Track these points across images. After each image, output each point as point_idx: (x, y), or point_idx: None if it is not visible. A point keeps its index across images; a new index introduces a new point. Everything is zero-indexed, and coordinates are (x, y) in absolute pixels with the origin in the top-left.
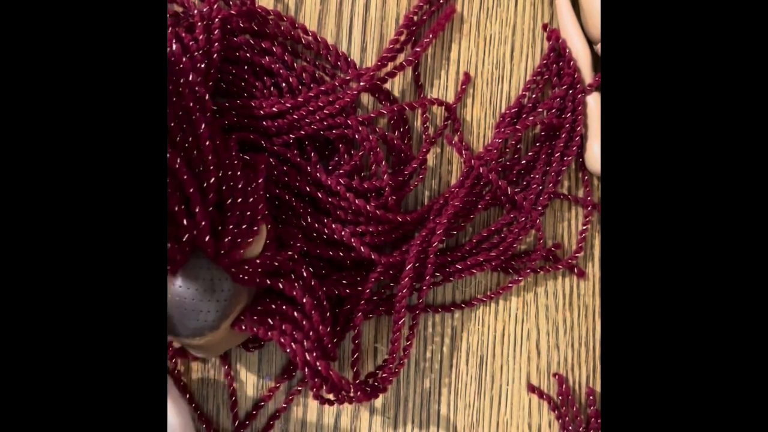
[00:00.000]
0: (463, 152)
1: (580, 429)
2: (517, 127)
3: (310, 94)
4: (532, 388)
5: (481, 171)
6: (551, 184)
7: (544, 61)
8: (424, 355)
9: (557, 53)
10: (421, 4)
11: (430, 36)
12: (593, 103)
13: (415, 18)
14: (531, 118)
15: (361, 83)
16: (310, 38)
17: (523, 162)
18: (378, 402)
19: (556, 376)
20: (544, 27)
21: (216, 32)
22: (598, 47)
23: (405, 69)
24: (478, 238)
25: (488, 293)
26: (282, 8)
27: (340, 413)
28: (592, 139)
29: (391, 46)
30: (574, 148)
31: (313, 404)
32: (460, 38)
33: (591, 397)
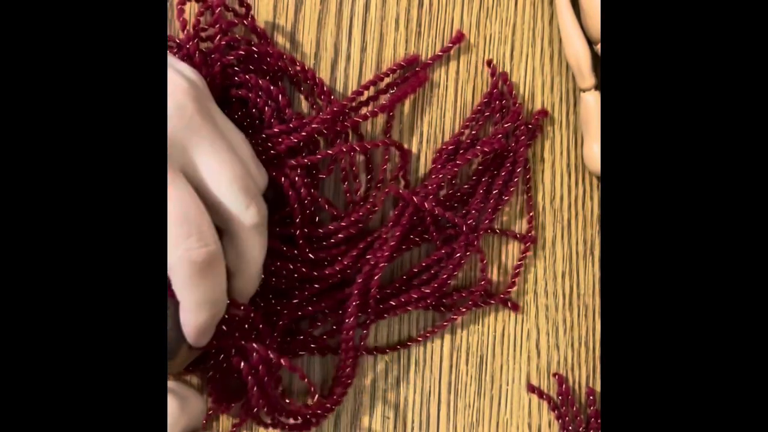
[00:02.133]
0: (401, 191)
1: (580, 429)
2: (457, 162)
3: (263, 134)
4: (532, 388)
5: (416, 202)
6: (490, 210)
7: (485, 99)
8: (424, 355)
9: (500, 91)
10: (394, 68)
11: (399, 95)
12: (593, 102)
13: (386, 79)
14: (470, 152)
15: (314, 125)
16: (298, 69)
17: (458, 194)
18: (378, 402)
19: (556, 376)
20: (488, 63)
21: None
22: (598, 47)
23: (369, 119)
24: (409, 274)
25: (421, 333)
26: (282, 8)
27: (340, 413)
28: (591, 139)
29: (353, 96)
30: (516, 180)
31: None
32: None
33: (591, 397)
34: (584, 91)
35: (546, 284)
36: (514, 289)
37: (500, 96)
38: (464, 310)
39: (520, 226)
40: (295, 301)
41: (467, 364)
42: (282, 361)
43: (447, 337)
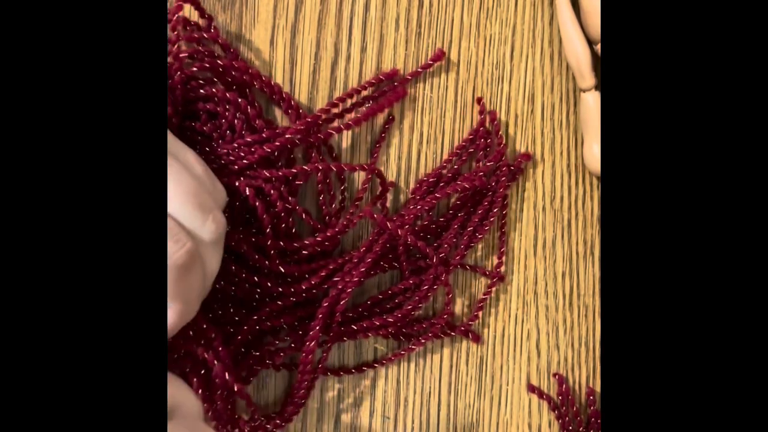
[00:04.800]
0: (376, 216)
1: (580, 429)
2: (436, 195)
3: (234, 144)
4: (532, 388)
5: (391, 229)
6: (462, 247)
7: (471, 136)
8: (424, 355)
9: (487, 129)
10: (373, 81)
11: (375, 108)
12: (593, 102)
13: (365, 92)
14: (450, 186)
15: (287, 135)
16: (264, 83)
17: (432, 226)
18: (378, 402)
19: (556, 376)
20: (478, 101)
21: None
22: (598, 47)
23: (342, 131)
24: (373, 300)
25: (383, 359)
26: (282, 8)
27: (340, 413)
28: (591, 139)
29: (328, 107)
30: (492, 219)
31: (312, 405)
32: (460, 38)
33: (591, 397)
34: (584, 91)
35: (546, 284)
36: (476, 321)
37: (486, 134)
38: (424, 341)
39: (493, 261)
40: (254, 316)
41: (467, 364)
42: (235, 386)
43: (447, 338)
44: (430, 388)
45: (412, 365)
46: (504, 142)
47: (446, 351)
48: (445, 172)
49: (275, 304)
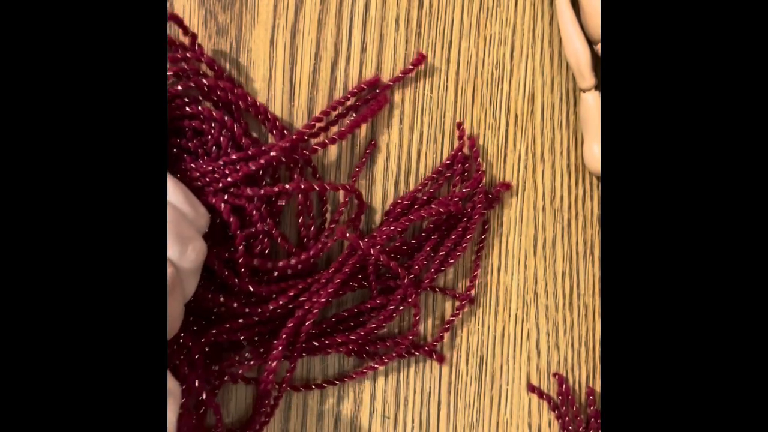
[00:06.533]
0: (348, 235)
1: (580, 429)
2: (410, 217)
3: (220, 161)
4: (532, 388)
5: (363, 248)
6: (433, 270)
7: (448, 161)
8: (424, 356)
9: (465, 154)
10: (355, 90)
11: (358, 120)
12: (593, 102)
13: (348, 102)
14: (425, 209)
15: (272, 153)
16: (249, 103)
17: (404, 247)
18: (378, 402)
19: (556, 376)
20: (458, 125)
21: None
22: (598, 47)
23: (327, 147)
24: (338, 317)
25: (338, 377)
26: (282, 8)
27: (339, 413)
28: (591, 139)
29: (312, 122)
30: (465, 245)
31: (312, 404)
32: (460, 38)
33: (591, 397)
34: (584, 91)
35: (546, 284)
36: (440, 342)
37: (464, 159)
38: (387, 360)
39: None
40: (213, 329)
41: (467, 364)
42: (205, 394)
43: (447, 337)
44: (430, 387)
45: (412, 365)
46: (483, 168)
47: (446, 351)
48: (420, 195)
49: (236, 322)
